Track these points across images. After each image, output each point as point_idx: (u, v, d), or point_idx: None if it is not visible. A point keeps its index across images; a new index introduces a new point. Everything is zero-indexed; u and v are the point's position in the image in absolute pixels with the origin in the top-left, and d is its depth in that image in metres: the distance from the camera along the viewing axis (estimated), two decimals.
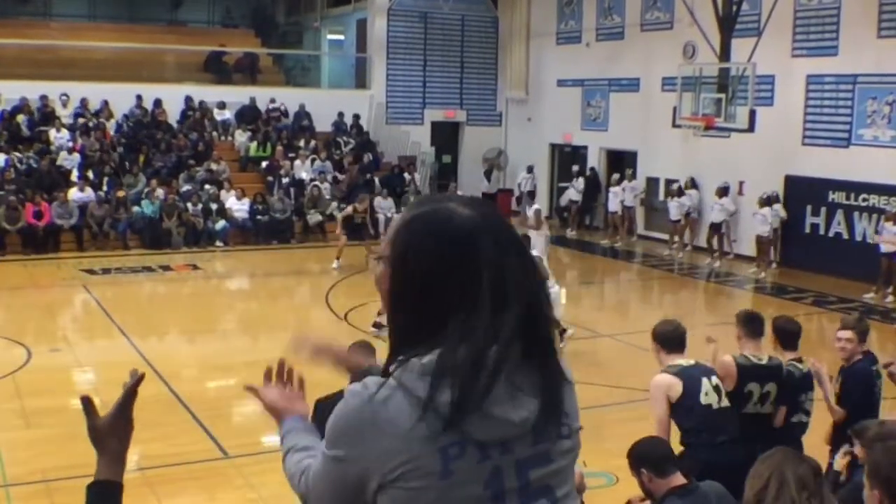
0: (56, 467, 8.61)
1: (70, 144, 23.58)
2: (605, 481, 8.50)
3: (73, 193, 21.66)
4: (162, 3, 32.61)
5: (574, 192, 25.26)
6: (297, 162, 24.79)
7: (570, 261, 22.50)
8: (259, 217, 22.73)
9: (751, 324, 6.74)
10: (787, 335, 6.86)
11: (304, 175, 24.39)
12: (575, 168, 25.81)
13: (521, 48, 28.56)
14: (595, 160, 26.14)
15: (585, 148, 26.54)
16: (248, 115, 26.29)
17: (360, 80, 29.35)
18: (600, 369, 12.60)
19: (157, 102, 25.49)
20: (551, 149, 28.00)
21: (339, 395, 2.24)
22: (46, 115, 24.32)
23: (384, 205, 23.77)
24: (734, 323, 6.81)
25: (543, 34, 27.87)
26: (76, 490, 8.05)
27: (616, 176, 24.23)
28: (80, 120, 24.49)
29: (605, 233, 24.60)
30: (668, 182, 23.01)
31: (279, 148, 25.16)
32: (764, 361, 6.58)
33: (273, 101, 26.74)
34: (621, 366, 13.03)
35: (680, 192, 22.01)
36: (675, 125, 21.25)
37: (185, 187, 22.87)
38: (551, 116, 27.67)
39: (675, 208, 22.15)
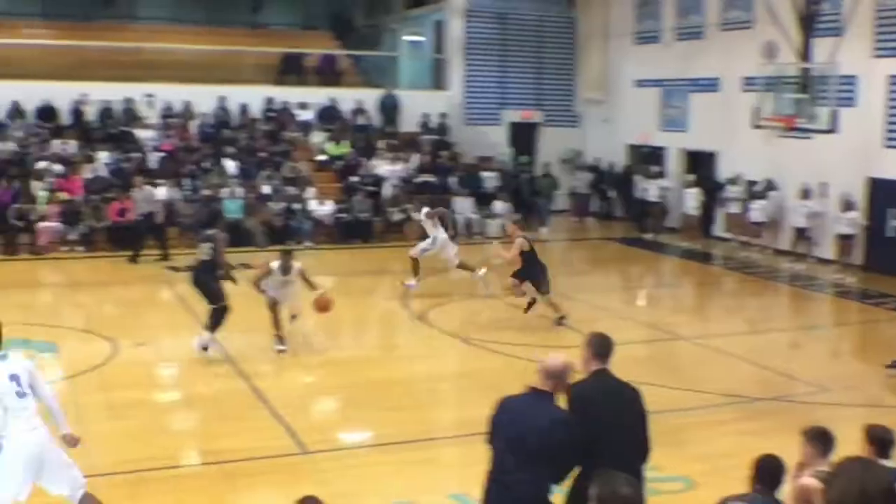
0: (140, 458, 8.82)
1: (155, 144, 24.11)
2: (682, 485, 8.45)
3: (158, 192, 22.10)
4: (243, 5, 33.08)
5: (656, 191, 24.99)
6: (376, 162, 24.99)
7: (648, 264, 22.33)
8: (341, 216, 22.96)
9: (821, 441, 6.11)
10: (884, 444, 6.14)
11: (384, 175, 24.56)
12: (656, 169, 25.58)
13: (598, 48, 28.46)
14: (673, 161, 25.91)
15: (664, 149, 26.32)
16: (327, 116, 26.60)
17: (438, 81, 29.47)
18: (678, 373, 12.51)
19: (239, 104, 25.93)
20: (629, 150, 27.81)
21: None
22: (131, 116, 24.90)
23: (463, 205, 23.88)
24: (802, 440, 6.14)
25: (621, 34, 27.72)
26: (159, 481, 8.31)
27: (693, 177, 23.98)
28: (164, 120, 25.02)
29: (681, 234, 24.38)
30: (750, 183, 22.71)
31: (359, 148, 25.43)
32: None
33: (352, 102, 27.04)
34: (700, 370, 12.92)
35: (761, 194, 21.73)
36: (755, 126, 20.98)
37: (266, 187, 23.20)
38: (629, 117, 27.51)
39: (757, 210, 21.86)
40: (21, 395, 6.53)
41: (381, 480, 8.64)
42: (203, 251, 13.06)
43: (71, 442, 7.01)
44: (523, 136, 29.01)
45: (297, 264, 12.85)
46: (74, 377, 11.66)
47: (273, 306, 12.75)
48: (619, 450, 5.67)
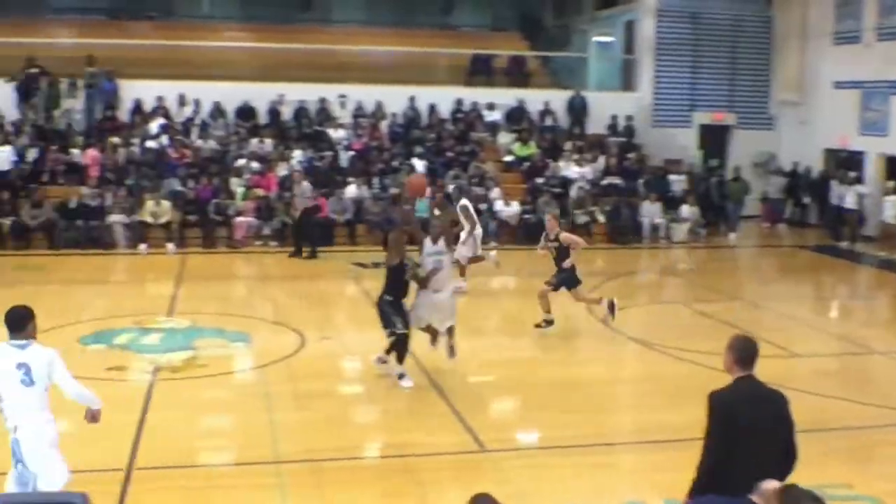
0: (323, 448, 9.07)
1: (346, 143, 24.77)
2: None
3: (349, 190, 22.73)
4: (434, 7, 33.53)
5: (853, 198, 23.95)
6: (563, 163, 24.92)
7: (842, 274, 21.45)
8: (526, 217, 23.02)
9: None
10: None
11: (571, 176, 24.46)
12: (853, 174, 24.50)
13: (795, 48, 27.53)
14: (872, 167, 24.80)
15: (862, 154, 25.22)
16: (515, 117, 26.70)
17: (627, 82, 29.15)
18: (870, 387, 11.96)
19: (428, 104, 26.34)
20: (825, 154, 26.77)
21: None
22: (325, 116, 25.67)
23: (649, 209, 23.54)
24: None
25: (820, 34, 26.72)
26: (340, 471, 8.50)
27: (892, 184, 22.91)
28: (356, 120, 25.67)
29: (879, 244, 23.32)
30: None
31: (545, 149, 25.44)
32: None
33: (540, 103, 27.07)
34: (894, 386, 12.32)
35: None
36: None
37: (453, 186, 23.46)
38: (826, 120, 26.49)
39: None
40: (27, 383, 6.59)
41: (557, 482, 8.60)
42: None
43: (90, 417, 7.14)
44: (714, 139, 28.35)
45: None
46: (265, 367, 12.10)
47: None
48: (763, 459, 5.46)
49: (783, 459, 5.70)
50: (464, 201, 17.87)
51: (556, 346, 14.42)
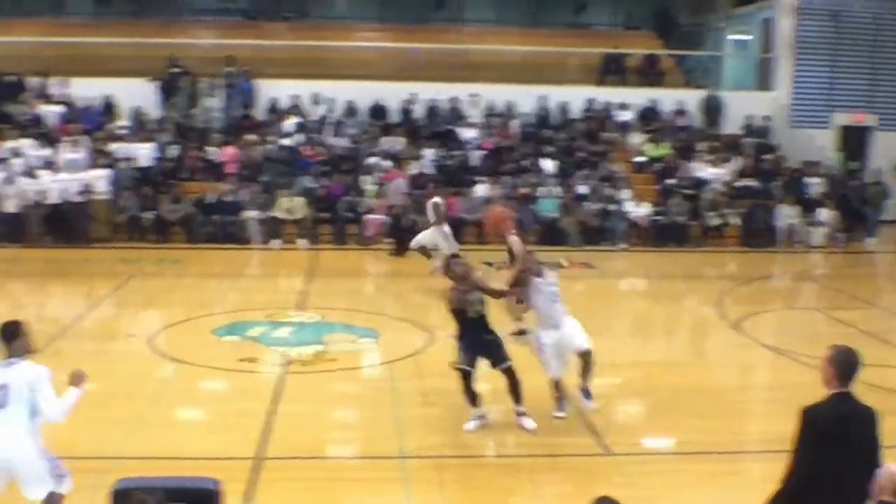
0: (447, 445, 9.12)
1: (477, 143, 24.84)
2: None
3: (479, 189, 22.80)
4: (566, 6, 33.34)
5: None
6: (696, 164, 24.49)
7: None
8: (657, 219, 22.72)
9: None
10: None
11: (704, 177, 24.02)
12: None
13: None
14: None
15: None
16: (647, 117, 26.37)
17: (763, 81, 28.47)
18: None
19: (560, 104, 26.23)
20: None
21: None
22: (456, 115, 25.80)
23: (786, 212, 22.94)
24: None
25: None
26: (465, 468, 8.51)
27: None
28: (487, 120, 25.73)
29: None
30: None
31: (678, 150, 25.04)
32: None
33: (673, 102, 26.68)
34: None
35: None
36: None
37: (583, 187, 23.32)
38: None
39: None
40: (1, 404, 6.54)
41: (682, 489, 8.47)
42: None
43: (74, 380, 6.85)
44: (854, 141, 27.44)
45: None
46: (392, 363, 12.23)
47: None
48: (849, 479, 5.26)
49: (868, 478, 5.42)
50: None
51: (684, 350, 14.23)
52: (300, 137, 24.24)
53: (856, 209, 24.33)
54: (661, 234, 22.68)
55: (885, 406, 9.90)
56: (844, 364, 5.55)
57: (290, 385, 11.14)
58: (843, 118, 27.39)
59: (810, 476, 5.43)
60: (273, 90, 25.58)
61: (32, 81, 24.90)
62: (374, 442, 9.45)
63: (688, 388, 11.49)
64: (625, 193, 23.27)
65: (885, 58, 27.39)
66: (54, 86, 24.95)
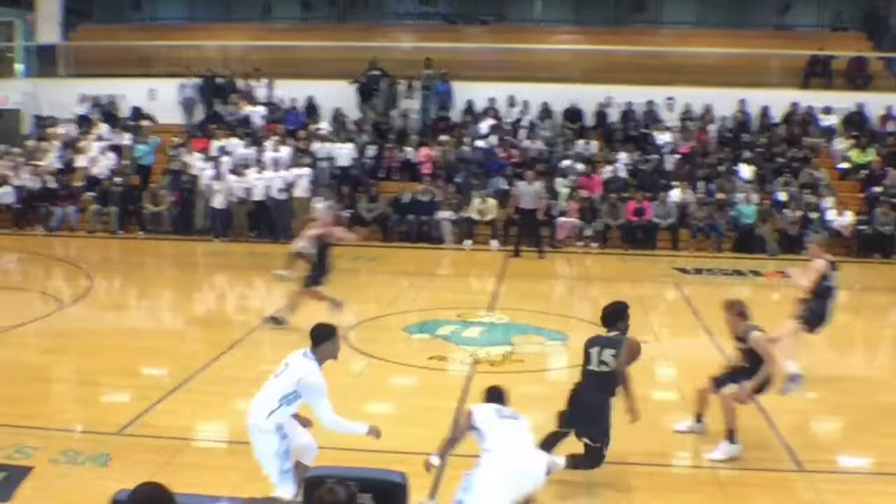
0: (633, 453, 9.01)
1: (672, 147, 24.46)
2: None
3: (673, 194, 22.46)
4: (769, 7, 32.38)
5: None
6: None
7: None
8: (861, 228, 21.81)
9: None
10: None
11: None
12: None
13: None
14: None
15: None
16: (853, 122, 25.33)
17: None
18: None
19: (761, 108, 25.53)
20: None
21: None
22: (651, 119, 25.48)
23: None
24: None
25: None
26: (653, 476, 8.43)
27: None
28: (683, 123, 25.30)
29: None
30: None
31: (886, 156, 23.95)
32: None
33: (882, 107, 25.54)
34: None
35: None
36: None
37: (782, 194, 22.62)
38: None
39: None
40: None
41: None
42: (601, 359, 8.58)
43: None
44: None
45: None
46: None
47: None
48: None
49: None
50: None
51: (886, 368, 13.63)
52: (494, 139, 24.47)
53: None
54: (865, 245, 21.77)
55: None
56: None
57: (478, 384, 11.23)
58: None
59: None
60: (469, 92, 25.93)
61: (241, 83, 26.07)
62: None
63: (887, 407, 11.00)
64: (827, 201, 22.44)
65: None
66: (260, 87, 26.06)
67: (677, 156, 24.19)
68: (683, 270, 19.38)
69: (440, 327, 13.95)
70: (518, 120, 25.60)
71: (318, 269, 13.85)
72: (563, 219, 22.01)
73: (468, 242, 21.89)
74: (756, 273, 19.66)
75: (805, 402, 11.42)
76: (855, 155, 24.26)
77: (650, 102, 25.67)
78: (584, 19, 31.92)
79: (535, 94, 25.70)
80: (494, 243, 21.74)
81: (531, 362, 12.34)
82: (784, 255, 21.00)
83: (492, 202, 22.20)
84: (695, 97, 25.73)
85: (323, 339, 7.26)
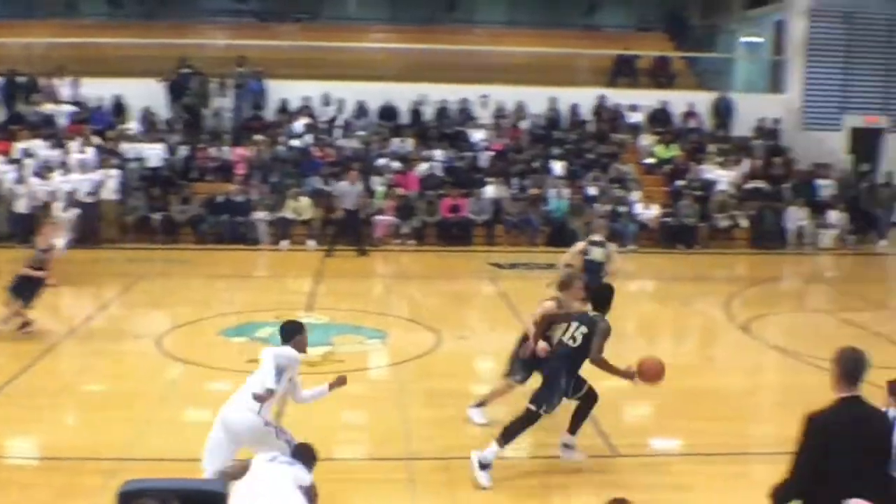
0: (455, 447, 9.08)
1: (486, 144, 24.82)
2: None
3: (488, 190, 22.79)
4: (577, 7, 33.28)
5: None
6: (705, 166, 24.43)
7: None
8: (666, 220, 22.67)
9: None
10: None
11: (714, 179, 23.95)
12: None
13: None
14: None
15: None
16: (658, 119, 26.32)
17: (774, 83, 28.41)
18: None
19: (570, 105, 26.20)
20: None
21: None
22: (466, 117, 25.79)
23: (795, 214, 22.89)
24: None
25: None
26: (468, 468, 8.42)
27: None
28: (497, 121, 25.71)
29: None
30: None
31: (688, 151, 25.01)
32: None
33: (684, 104, 26.65)
34: None
35: None
36: None
37: (593, 189, 23.28)
38: None
39: None
40: None
41: (690, 491, 8.44)
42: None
43: None
44: (865, 143, 27.36)
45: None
46: (400, 364, 12.22)
47: None
48: (854, 486, 5.13)
49: (880, 487, 5.36)
50: None
51: (693, 354, 14.19)
52: (310, 138, 24.26)
53: (866, 211, 24.26)
54: (670, 236, 22.64)
55: None
56: (850, 365, 5.44)
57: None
58: (854, 120, 27.31)
59: (809, 482, 5.37)
60: (283, 91, 25.62)
61: (44, 82, 24.96)
62: (381, 443, 9.45)
63: (696, 391, 11.44)
64: (635, 195, 23.24)
65: None
66: (65, 86, 25.01)
67: (491, 153, 24.55)
68: (499, 265, 19.67)
69: (258, 329, 13.69)
70: (333, 119, 25.46)
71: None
72: (380, 217, 22.00)
73: (285, 243, 21.62)
74: (569, 266, 20.10)
75: (617, 389, 11.74)
76: (660, 150, 25.22)
77: (464, 100, 25.97)
78: (399, 18, 32.03)
79: (349, 92, 25.59)
80: (311, 243, 21.54)
81: (351, 362, 12.25)
82: None
83: (306, 201, 21.98)
84: (507, 95, 26.19)
85: (292, 334, 7.66)
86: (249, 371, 11.58)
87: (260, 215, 21.87)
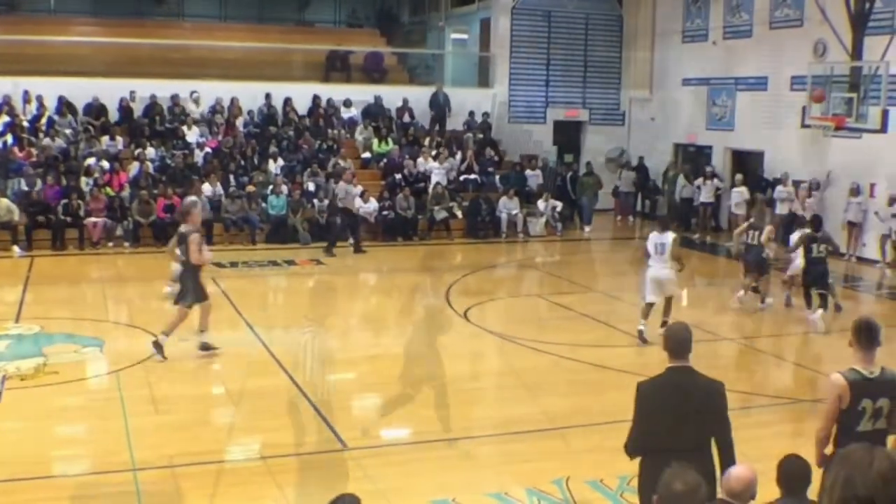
0: (182, 453, 8.88)
1: (202, 141, 24.29)
2: None
3: (204, 189, 22.29)
4: (290, 4, 33.25)
5: (706, 191, 24.63)
6: (421, 159, 25.00)
7: (693, 263, 22.08)
8: (384, 213, 23.00)
9: (867, 333, 6.07)
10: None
11: (429, 172, 24.54)
12: (708, 169, 25.09)
13: (645, 47, 28.31)
14: (720, 160, 25.65)
15: (710, 148, 26.10)
16: (372, 113, 26.65)
17: (483, 78, 29.46)
18: (720, 373, 12.34)
19: (285, 100, 26.08)
20: (675, 149, 27.58)
21: None
22: (177, 113, 25.11)
23: (507, 204, 23.81)
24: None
25: (669, 32, 27.53)
26: (203, 475, 8.31)
27: (739, 176, 23.69)
28: (211, 117, 25.21)
29: (728, 233, 24.10)
30: (796, 184, 22.33)
31: (403, 145, 25.50)
32: (876, 375, 5.97)
33: (398, 99, 27.13)
34: (743, 370, 12.82)
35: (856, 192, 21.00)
36: (803, 125, 20.77)
37: (311, 184, 23.29)
38: (675, 116, 27.32)
39: (854, 210, 20.97)
40: None
41: (421, 477, 8.64)
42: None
43: None
44: (568, 135, 28.90)
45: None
46: (120, 371, 11.77)
47: None
48: (686, 451, 5.35)
49: (703, 448, 5.77)
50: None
51: (417, 342, 14.43)
52: (11, 138, 22.85)
53: (572, 199, 25.63)
54: (389, 229, 23.00)
55: (607, 383, 10.52)
56: (673, 339, 5.93)
57: (9, 402, 10.50)
58: (557, 113, 28.76)
59: (641, 447, 5.79)
60: None
61: None
62: (104, 455, 9.06)
63: (421, 379, 11.68)
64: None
65: (596, 56, 29.04)
66: None
67: (207, 150, 24.04)
68: (219, 265, 19.30)
69: None
70: (36, 117, 24.09)
71: None
72: (91, 219, 21.05)
73: None
74: (290, 262, 20.07)
75: (345, 382, 11.86)
76: (376, 145, 25.56)
77: (175, 96, 25.25)
78: (103, 11, 30.71)
79: (52, 88, 24.24)
80: (17, 249, 20.29)
81: (66, 372, 11.67)
82: (315, 244, 21.60)
83: (5, 203, 20.62)
84: (221, 91, 25.72)
85: None
86: None
87: None
